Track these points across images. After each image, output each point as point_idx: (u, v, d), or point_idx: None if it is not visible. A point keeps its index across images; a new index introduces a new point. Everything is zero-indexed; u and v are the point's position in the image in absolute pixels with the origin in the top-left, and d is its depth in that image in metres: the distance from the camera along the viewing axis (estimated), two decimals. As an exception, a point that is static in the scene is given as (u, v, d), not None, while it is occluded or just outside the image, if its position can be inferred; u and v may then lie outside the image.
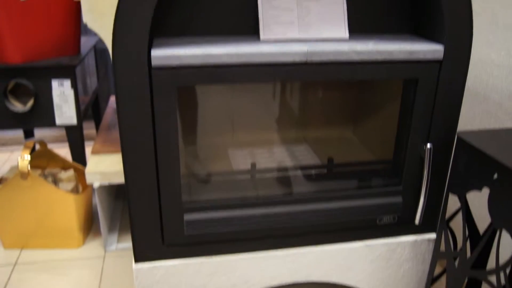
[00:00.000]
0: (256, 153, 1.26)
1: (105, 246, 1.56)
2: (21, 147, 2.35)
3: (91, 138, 2.33)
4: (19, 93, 1.58)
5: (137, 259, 1.05)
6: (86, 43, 1.85)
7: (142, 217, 1.00)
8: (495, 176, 0.89)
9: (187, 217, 1.00)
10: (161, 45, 0.91)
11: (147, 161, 0.95)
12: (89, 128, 2.33)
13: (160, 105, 0.91)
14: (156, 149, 0.95)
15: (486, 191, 1.19)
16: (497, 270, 0.91)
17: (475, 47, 1.32)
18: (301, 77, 0.93)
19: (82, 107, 1.66)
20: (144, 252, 1.04)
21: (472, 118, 1.35)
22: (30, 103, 1.55)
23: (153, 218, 1.00)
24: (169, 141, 0.94)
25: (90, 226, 1.66)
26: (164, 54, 0.87)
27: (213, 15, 0.98)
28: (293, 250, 1.10)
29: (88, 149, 2.04)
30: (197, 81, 0.90)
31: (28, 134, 2.08)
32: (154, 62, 0.87)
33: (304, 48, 0.91)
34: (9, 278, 1.41)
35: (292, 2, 0.97)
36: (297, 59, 0.91)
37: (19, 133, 2.37)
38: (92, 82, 1.94)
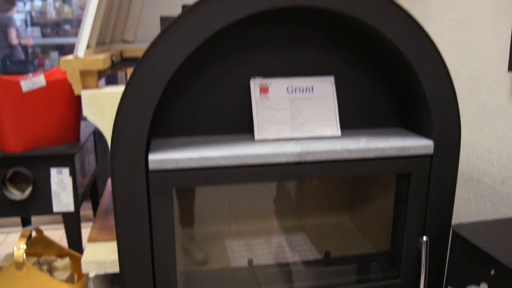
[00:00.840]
0: (253, 244, 1.25)
1: (99, 338, 1.51)
2: (17, 229, 2.34)
3: (88, 220, 2.32)
4: (17, 180, 1.60)
5: None
6: (85, 128, 1.89)
7: (138, 319, 0.98)
8: (492, 272, 0.88)
9: (184, 317, 0.99)
10: (158, 148, 0.93)
11: (143, 259, 0.95)
12: (86, 209, 2.32)
13: (156, 204, 0.92)
14: (153, 247, 0.94)
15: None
16: None
17: (465, 132, 1.35)
18: (295, 176, 0.95)
19: (80, 191, 1.67)
20: None
21: (467, 201, 1.36)
22: (28, 190, 1.56)
23: (149, 320, 0.98)
24: (166, 239, 0.94)
25: (84, 315, 1.62)
26: (161, 158, 0.89)
27: (209, 115, 1.01)
28: None
29: (84, 230, 2.02)
30: (193, 182, 0.92)
31: (25, 218, 2.07)
32: (151, 166, 0.89)
33: (298, 149, 0.93)
34: None
35: (285, 102, 1.01)
36: (291, 159, 0.93)
37: (15, 215, 2.36)
38: (91, 165, 1.96)
